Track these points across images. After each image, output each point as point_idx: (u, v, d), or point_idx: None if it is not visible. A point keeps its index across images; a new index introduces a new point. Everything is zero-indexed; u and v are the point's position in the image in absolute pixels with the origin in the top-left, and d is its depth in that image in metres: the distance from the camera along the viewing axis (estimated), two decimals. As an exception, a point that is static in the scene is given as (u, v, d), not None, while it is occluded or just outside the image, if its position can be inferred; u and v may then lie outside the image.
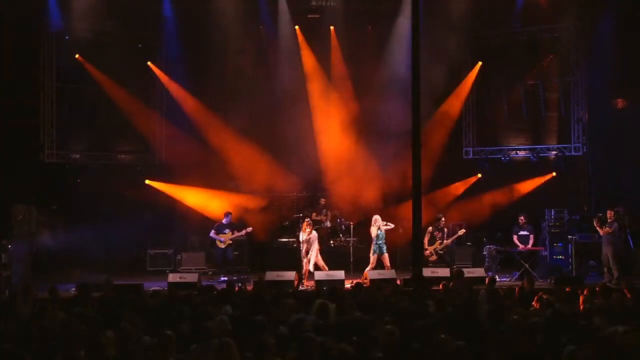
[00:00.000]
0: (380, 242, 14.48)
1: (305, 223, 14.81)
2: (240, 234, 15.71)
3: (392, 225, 14.81)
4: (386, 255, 14.53)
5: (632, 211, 15.51)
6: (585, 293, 8.95)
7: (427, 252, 14.99)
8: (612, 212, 14.29)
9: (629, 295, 9.11)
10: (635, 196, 15.90)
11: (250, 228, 15.75)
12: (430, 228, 15.19)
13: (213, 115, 17.92)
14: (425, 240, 14.92)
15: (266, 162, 17.34)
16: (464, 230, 15.57)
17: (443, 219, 15.42)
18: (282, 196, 17.98)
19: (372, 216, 14.87)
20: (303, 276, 14.37)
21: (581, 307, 8.46)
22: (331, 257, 15.46)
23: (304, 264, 14.53)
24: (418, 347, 6.10)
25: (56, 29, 17.10)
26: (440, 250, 15.15)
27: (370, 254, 14.61)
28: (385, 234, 14.64)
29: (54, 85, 17.22)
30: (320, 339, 6.06)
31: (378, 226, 14.49)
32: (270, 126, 17.48)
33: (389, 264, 14.53)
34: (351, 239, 16.09)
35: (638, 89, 16.42)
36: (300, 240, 14.70)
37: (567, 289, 9.52)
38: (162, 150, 18.38)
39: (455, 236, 15.40)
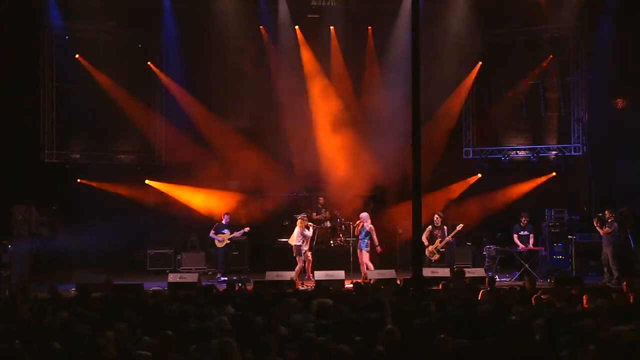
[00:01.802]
0: (366, 239, 14.60)
1: (303, 220, 14.87)
2: (237, 234, 15.78)
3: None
4: (364, 253, 14.62)
5: (633, 211, 15.51)
6: (587, 293, 8.93)
7: (428, 251, 14.95)
8: (610, 212, 14.25)
9: (630, 295, 9.08)
10: (635, 196, 15.89)
11: (248, 228, 15.82)
12: (430, 227, 15.16)
13: (213, 115, 17.91)
14: (425, 240, 14.89)
15: (266, 162, 17.34)
16: (462, 225, 15.38)
17: (440, 215, 15.31)
18: (282, 196, 17.96)
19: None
20: (306, 272, 14.46)
21: (585, 306, 8.43)
22: (331, 257, 15.42)
23: (307, 261, 14.57)
24: (418, 347, 6.09)
25: (56, 29, 17.10)
26: (441, 249, 15.11)
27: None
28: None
29: (54, 85, 17.20)
30: (321, 339, 6.06)
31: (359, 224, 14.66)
32: (270, 126, 17.48)
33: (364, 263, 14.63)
34: (351, 238, 16.06)
35: (638, 89, 16.40)
36: (306, 236, 14.71)
37: (569, 289, 9.51)
38: (162, 150, 18.36)
39: (455, 232, 15.24)
